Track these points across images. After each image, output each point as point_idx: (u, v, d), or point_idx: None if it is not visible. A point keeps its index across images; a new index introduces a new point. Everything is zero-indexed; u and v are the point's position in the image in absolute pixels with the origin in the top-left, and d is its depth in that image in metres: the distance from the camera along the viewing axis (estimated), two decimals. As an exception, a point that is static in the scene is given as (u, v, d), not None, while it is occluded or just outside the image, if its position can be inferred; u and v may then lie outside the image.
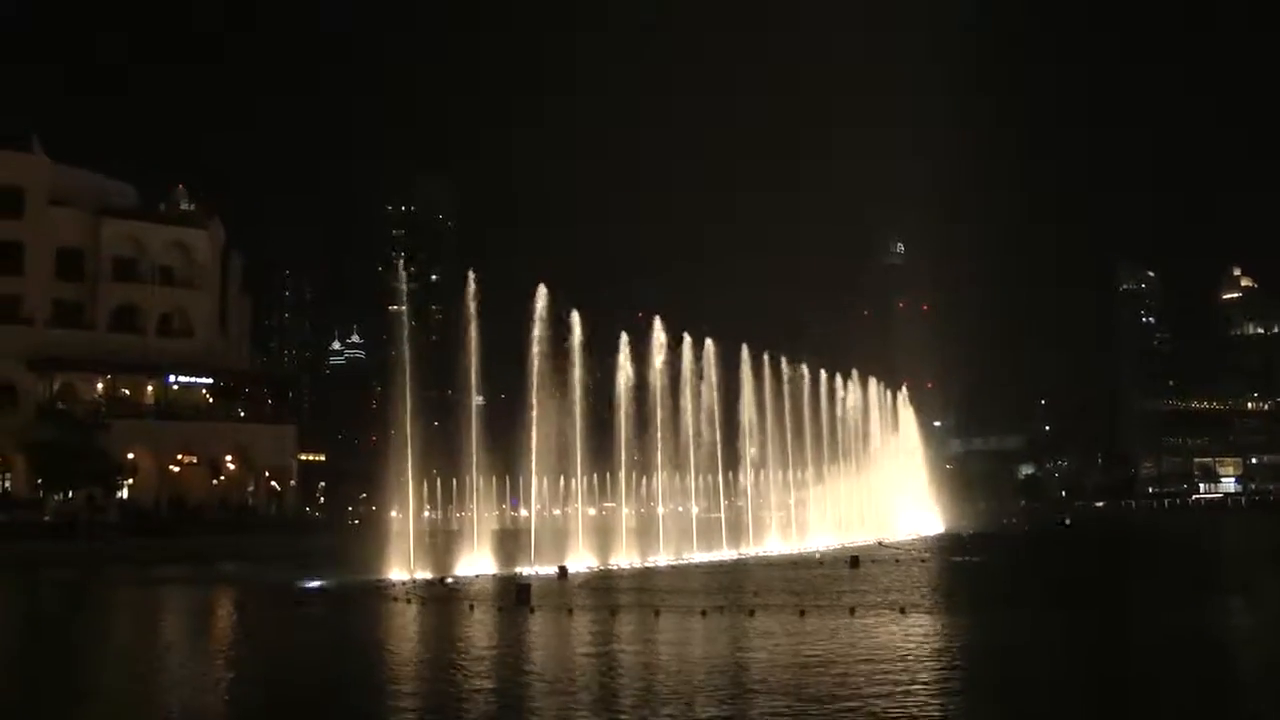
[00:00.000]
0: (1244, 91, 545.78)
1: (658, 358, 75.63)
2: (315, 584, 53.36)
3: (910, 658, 26.47)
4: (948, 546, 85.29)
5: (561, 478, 73.06)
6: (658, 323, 77.38)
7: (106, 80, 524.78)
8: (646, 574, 59.14)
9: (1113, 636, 31.28)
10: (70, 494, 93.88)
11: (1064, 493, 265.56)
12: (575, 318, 69.79)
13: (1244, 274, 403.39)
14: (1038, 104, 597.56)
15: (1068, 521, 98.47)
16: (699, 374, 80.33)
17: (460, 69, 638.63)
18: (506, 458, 68.15)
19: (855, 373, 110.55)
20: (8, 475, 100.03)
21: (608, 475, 77.51)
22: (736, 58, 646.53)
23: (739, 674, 24.70)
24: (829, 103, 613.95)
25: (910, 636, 30.22)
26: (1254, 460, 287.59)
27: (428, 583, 52.40)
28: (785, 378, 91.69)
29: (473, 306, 63.21)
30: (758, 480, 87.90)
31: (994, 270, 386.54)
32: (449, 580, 53.65)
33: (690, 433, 78.83)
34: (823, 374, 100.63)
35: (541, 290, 66.25)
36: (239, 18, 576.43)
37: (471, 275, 64.34)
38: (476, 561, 60.05)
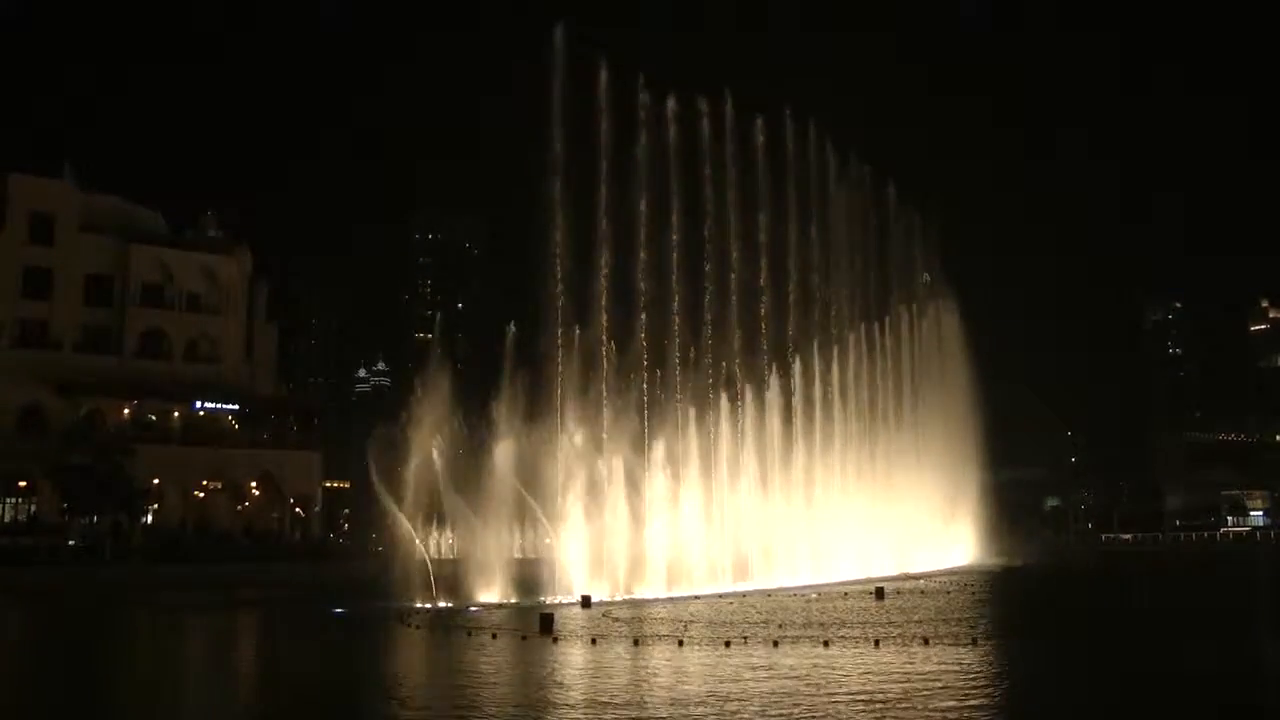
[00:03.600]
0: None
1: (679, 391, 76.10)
2: (339, 611, 53.34)
3: (937, 692, 26.26)
4: (974, 579, 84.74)
5: (588, 507, 72.90)
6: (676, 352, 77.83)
7: (133, 103, 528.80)
8: (670, 604, 58.92)
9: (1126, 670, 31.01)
10: (96, 519, 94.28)
11: (1090, 525, 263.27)
12: (603, 352, 70.21)
13: (1272, 305, 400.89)
14: (1067, 132, 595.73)
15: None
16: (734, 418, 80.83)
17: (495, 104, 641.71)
18: (532, 486, 68.14)
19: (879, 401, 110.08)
20: (34, 499, 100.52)
21: (634, 505, 77.33)
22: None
23: (766, 710, 24.51)
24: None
25: (936, 667, 30.01)
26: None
27: (451, 611, 52.34)
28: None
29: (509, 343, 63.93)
30: (785, 512, 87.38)
31: (1020, 302, 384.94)
32: (472, 608, 53.55)
33: (721, 465, 79.07)
34: (837, 406, 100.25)
35: (576, 333, 66.90)
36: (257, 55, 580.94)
37: (511, 328, 65.01)
38: (500, 590, 60.00)
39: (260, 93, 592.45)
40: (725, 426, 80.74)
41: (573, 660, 33.68)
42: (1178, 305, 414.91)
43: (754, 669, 30.46)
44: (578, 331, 68.11)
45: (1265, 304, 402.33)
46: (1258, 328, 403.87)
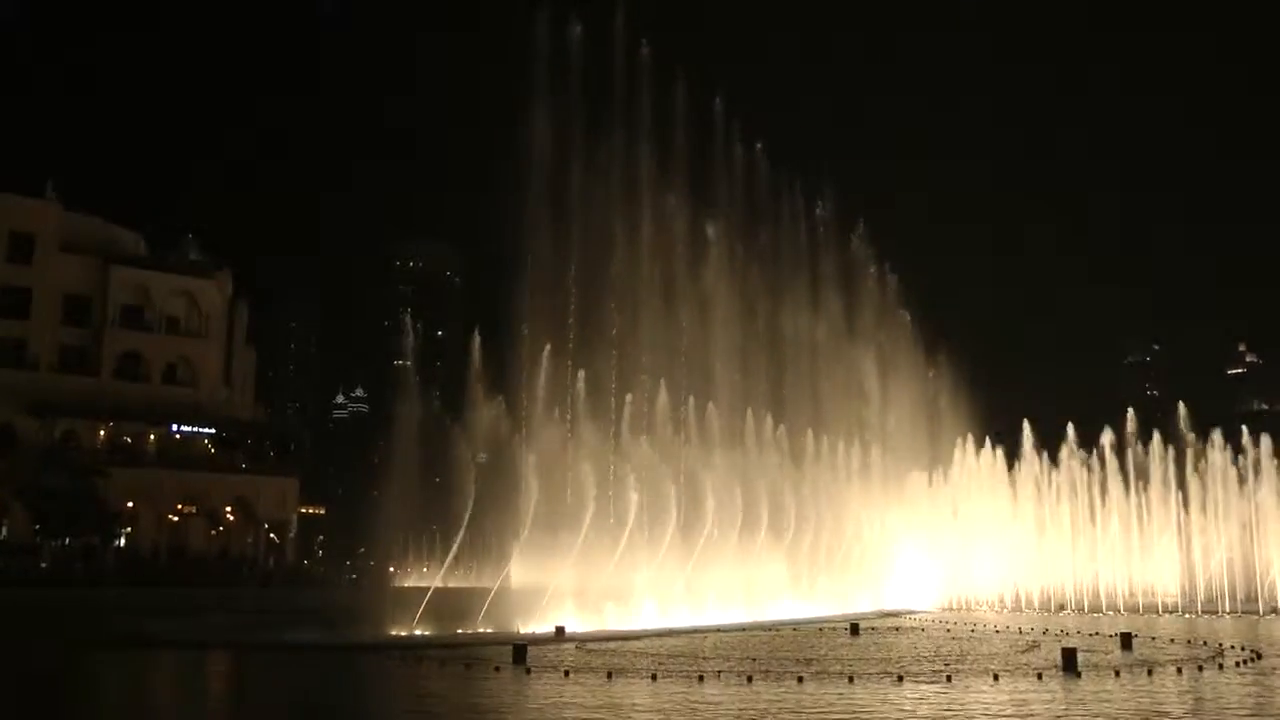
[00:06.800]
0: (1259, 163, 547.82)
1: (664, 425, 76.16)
2: (311, 641, 52.85)
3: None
4: (951, 616, 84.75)
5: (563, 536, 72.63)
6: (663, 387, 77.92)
7: (117, 125, 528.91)
8: (643, 636, 58.63)
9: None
10: (68, 541, 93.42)
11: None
12: (580, 376, 70.05)
13: (1249, 349, 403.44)
14: (1060, 168, 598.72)
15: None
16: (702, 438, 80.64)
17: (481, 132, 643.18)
18: (508, 515, 67.84)
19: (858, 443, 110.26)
20: (6, 521, 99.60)
21: (608, 535, 77.13)
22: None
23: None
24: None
25: (906, 705, 29.88)
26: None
27: (424, 641, 51.94)
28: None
29: (477, 364, 63.62)
30: (761, 546, 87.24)
31: (999, 341, 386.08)
32: (447, 638, 53.15)
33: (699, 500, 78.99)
34: (816, 442, 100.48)
35: (546, 350, 66.65)
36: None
37: (476, 337, 64.85)
38: (474, 620, 59.61)
39: (251, 118, 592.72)
40: (707, 464, 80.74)
41: (544, 693, 33.40)
42: (1155, 346, 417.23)
43: (723, 703, 30.27)
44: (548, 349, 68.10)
45: (1242, 347, 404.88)
46: (1235, 371, 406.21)
